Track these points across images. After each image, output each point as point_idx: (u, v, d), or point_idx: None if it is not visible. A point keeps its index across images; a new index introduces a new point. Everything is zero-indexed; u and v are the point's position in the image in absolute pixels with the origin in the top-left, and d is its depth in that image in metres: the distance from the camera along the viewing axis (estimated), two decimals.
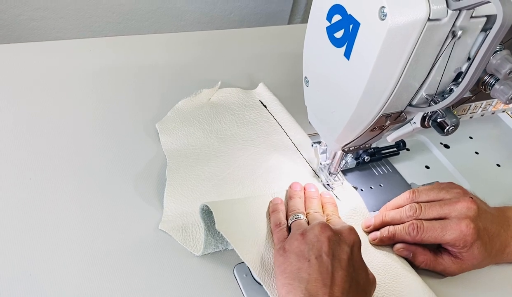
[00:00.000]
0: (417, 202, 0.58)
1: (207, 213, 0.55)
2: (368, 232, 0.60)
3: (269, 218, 0.58)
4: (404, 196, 0.60)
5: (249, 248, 0.54)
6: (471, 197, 0.57)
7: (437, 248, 0.58)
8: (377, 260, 0.58)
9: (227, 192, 0.63)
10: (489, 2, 0.38)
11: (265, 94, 0.80)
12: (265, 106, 0.78)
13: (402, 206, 0.59)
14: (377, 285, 0.53)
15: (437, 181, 0.67)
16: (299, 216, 0.56)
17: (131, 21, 1.25)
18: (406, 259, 0.58)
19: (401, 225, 0.57)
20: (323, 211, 0.60)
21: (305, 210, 0.59)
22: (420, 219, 0.56)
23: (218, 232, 0.54)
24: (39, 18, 1.15)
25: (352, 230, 0.53)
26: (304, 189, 0.62)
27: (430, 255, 0.57)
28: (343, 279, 0.48)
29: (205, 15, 1.34)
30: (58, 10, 1.16)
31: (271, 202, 0.60)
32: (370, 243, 0.59)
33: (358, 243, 0.53)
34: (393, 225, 0.58)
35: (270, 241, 0.56)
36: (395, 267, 0.57)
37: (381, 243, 0.59)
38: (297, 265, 0.49)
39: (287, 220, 0.57)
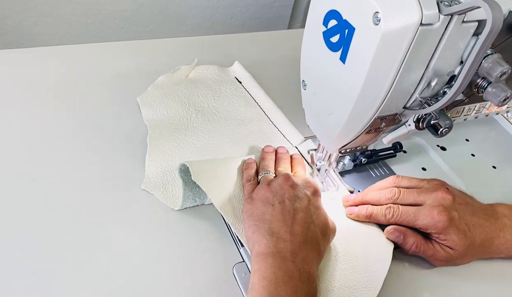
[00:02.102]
0: (398, 187, 0.61)
1: (184, 172, 0.60)
2: (347, 206, 0.64)
3: (242, 175, 0.63)
4: (388, 180, 0.64)
5: (223, 198, 0.59)
6: (447, 188, 0.60)
7: (426, 237, 0.59)
8: (346, 222, 0.62)
9: (204, 157, 0.68)
10: (479, 7, 0.40)
11: (240, 71, 0.85)
12: (240, 82, 0.83)
13: (385, 189, 0.62)
14: (342, 239, 0.58)
15: None
16: (268, 172, 0.62)
17: (133, 26, 1.26)
18: (397, 246, 0.60)
19: (379, 206, 0.61)
20: (291, 170, 0.65)
21: (275, 168, 0.64)
22: (397, 204, 0.60)
23: (195, 187, 0.61)
24: (43, 23, 1.17)
25: (312, 180, 0.61)
26: (276, 151, 0.67)
27: (420, 237, 0.59)
28: (303, 219, 0.54)
29: (206, 20, 1.35)
30: (62, 16, 1.17)
31: (244, 161, 0.65)
32: (347, 216, 0.63)
33: (318, 192, 0.60)
34: (372, 205, 0.62)
35: (242, 194, 0.61)
36: (359, 224, 0.62)
37: (356, 218, 0.62)
38: (262, 210, 0.55)
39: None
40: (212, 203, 0.59)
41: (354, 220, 0.62)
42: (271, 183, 0.58)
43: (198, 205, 0.62)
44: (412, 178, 0.63)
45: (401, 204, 0.59)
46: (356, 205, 0.63)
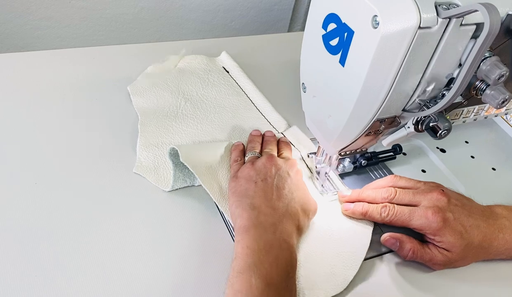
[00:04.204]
0: (395, 187, 0.62)
1: (174, 155, 0.62)
2: (343, 202, 0.65)
3: (230, 157, 0.66)
4: (386, 179, 0.64)
5: (210, 178, 0.62)
6: (442, 190, 0.60)
7: (423, 240, 0.60)
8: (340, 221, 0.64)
9: (193, 142, 0.71)
10: (476, 11, 0.40)
11: (227, 61, 0.88)
12: (228, 72, 0.86)
13: (382, 188, 0.63)
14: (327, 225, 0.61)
15: None
16: (254, 153, 0.65)
17: (134, 30, 1.27)
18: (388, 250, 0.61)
19: (375, 205, 0.61)
20: (278, 152, 0.67)
21: (262, 150, 0.67)
22: (393, 203, 0.60)
23: (185, 168, 0.63)
24: (44, 27, 1.17)
25: (295, 161, 0.64)
26: (264, 135, 0.71)
27: (417, 243, 0.59)
28: (284, 196, 0.57)
29: (206, 24, 1.35)
30: (62, 20, 1.17)
31: (233, 144, 0.68)
32: (342, 212, 0.64)
33: (300, 171, 0.64)
34: (367, 202, 0.62)
35: (229, 174, 0.64)
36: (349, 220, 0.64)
37: (351, 215, 0.63)
38: (246, 187, 0.58)
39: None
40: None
41: (348, 216, 0.63)
42: (255, 162, 0.62)
43: (188, 186, 0.64)
44: (410, 179, 0.64)
45: (397, 204, 0.60)
46: (352, 202, 0.63)
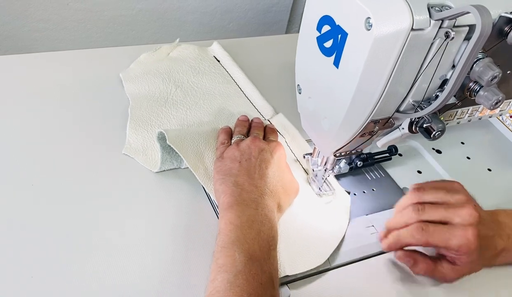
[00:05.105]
0: (421, 203, 0.57)
1: (163, 139, 0.65)
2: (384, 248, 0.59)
3: (217, 140, 0.68)
4: (409, 197, 0.58)
5: (196, 159, 0.65)
6: (475, 205, 0.56)
7: (436, 256, 0.58)
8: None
9: (182, 126, 0.74)
10: (468, 13, 0.40)
11: (219, 51, 0.91)
12: (219, 61, 0.89)
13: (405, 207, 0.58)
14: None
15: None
16: (241, 136, 0.67)
17: (132, 32, 1.27)
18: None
19: (405, 228, 0.56)
20: (265, 136, 0.70)
21: (249, 134, 0.69)
22: (425, 221, 0.55)
23: (172, 151, 0.65)
24: (42, 29, 1.18)
25: (279, 143, 0.66)
26: (252, 121, 0.73)
27: (431, 262, 0.57)
28: (266, 175, 0.60)
29: (204, 25, 1.36)
30: (60, 22, 1.18)
31: (220, 128, 0.70)
32: (383, 249, 0.59)
33: (284, 154, 0.65)
34: (400, 229, 0.57)
35: (214, 156, 0.66)
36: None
37: (391, 250, 0.58)
38: (230, 166, 0.60)
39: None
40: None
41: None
42: (240, 143, 0.64)
43: (175, 168, 0.67)
44: (436, 191, 0.58)
45: (428, 221, 0.55)
46: (386, 236, 0.58)
